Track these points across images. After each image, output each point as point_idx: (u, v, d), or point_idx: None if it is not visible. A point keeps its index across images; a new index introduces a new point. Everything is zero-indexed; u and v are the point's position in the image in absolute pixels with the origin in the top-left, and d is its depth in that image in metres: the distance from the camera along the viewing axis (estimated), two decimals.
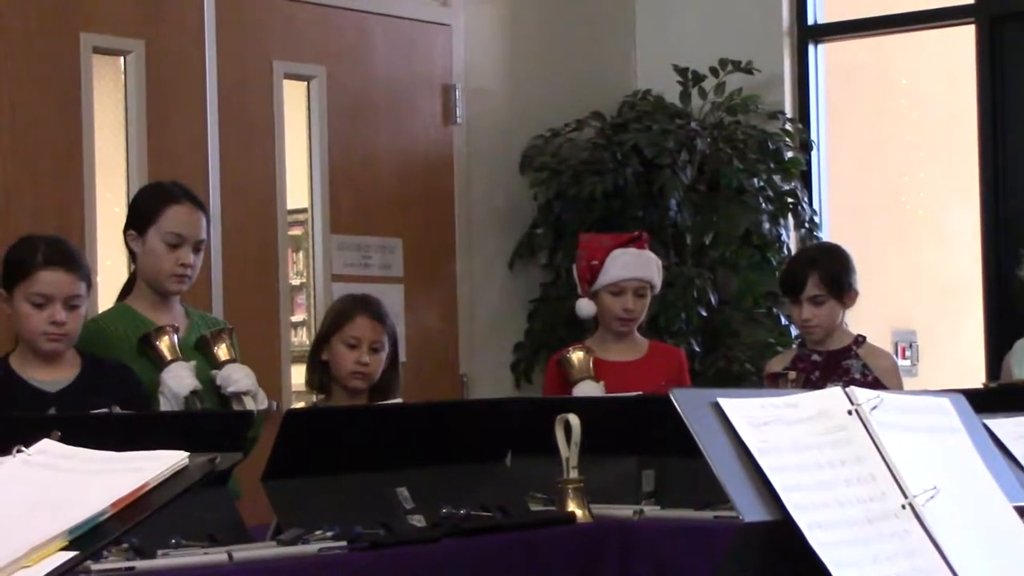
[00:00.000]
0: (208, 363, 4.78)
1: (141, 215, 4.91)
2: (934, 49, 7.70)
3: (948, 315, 7.64)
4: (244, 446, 3.78)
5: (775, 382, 5.24)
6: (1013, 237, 7.04)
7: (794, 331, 6.97)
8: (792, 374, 5.18)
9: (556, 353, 5.71)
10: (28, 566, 2.10)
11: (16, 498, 2.26)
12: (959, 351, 7.45)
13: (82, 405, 4.34)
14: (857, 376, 5.21)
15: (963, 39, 7.34)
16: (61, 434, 2.43)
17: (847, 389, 2.17)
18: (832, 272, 5.34)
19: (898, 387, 5.10)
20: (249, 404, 4.68)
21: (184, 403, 4.61)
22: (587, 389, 5.29)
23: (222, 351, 4.80)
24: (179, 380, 4.63)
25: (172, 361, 4.67)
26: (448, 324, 7.06)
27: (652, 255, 5.61)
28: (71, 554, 2.14)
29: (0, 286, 4.52)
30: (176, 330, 4.75)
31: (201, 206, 4.99)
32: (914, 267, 7.65)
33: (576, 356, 5.38)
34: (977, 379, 6.86)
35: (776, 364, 5.56)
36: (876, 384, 5.02)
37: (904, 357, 7.22)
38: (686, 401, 2.01)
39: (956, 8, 7.36)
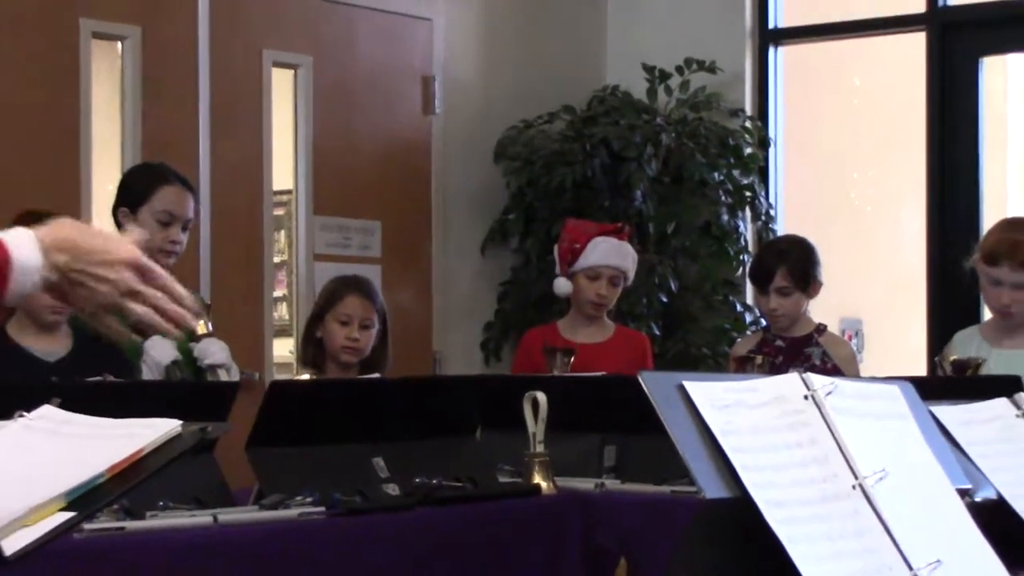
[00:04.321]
0: (186, 336, 4.79)
1: (134, 194, 4.94)
2: (887, 54, 7.73)
3: (893, 305, 7.68)
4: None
5: (742, 365, 5.27)
6: (957, 234, 7.08)
7: (749, 317, 7.01)
8: (759, 358, 5.21)
9: (533, 328, 5.74)
10: (28, 525, 2.11)
11: (17, 461, 2.26)
12: (903, 340, 7.49)
13: (79, 376, 4.34)
14: (817, 363, 5.24)
15: (914, 45, 7.37)
16: (59, 400, 2.43)
17: (803, 375, 2.18)
18: (800, 266, 5.39)
19: (855, 375, 5.12)
20: (223, 376, 4.71)
21: (165, 372, 4.63)
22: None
23: (200, 326, 4.81)
24: (161, 351, 4.65)
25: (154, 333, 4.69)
26: (422, 303, 7.07)
27: (630, 248, 5.68)
28: (69, 515, 2.14)
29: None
30: (209, 311, 4.78)
31: (190, 187, 5.04)
32: (862, 259, 7.68)
33: (561, 355, 5.33)
34: (919, 367, 6.90)
35: (742, 348, 5.61)
36: (835, 371, 5.05)
37: None
38: (654, 383, 2.02)
39: (908, 16, 7.41)
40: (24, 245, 2.14)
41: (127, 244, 2.19)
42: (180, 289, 2.24)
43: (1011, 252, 4.95)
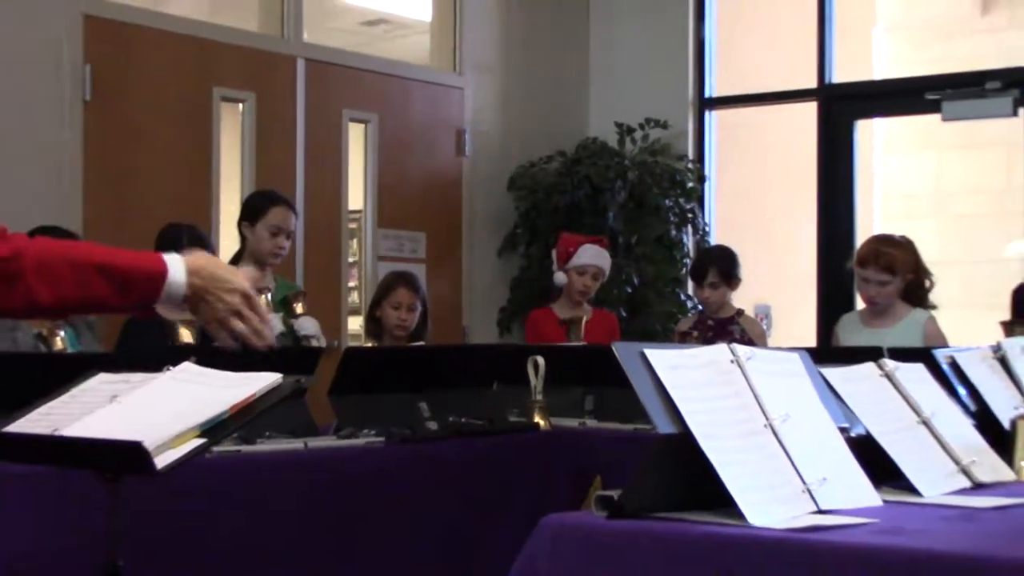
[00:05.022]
0: (288, 315, 4.79)
1: (253, 212, 4.94)
2: (789, 117, 7.72)
3: (793, 296, 7.67)
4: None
5: (684, 338, 5.30)
6: (838, 245, 7.09)
7: (690, 304, 7.00)
8: (695, 333, 5.23)
9: (535, 310, 5.76)
10: (173, 447, 2.11)
11: (165, 401, 2.26)
12: (800, 320, 7.48)
13: (204, 343, 4.34)
14: (738, 337, 5.24)
15: (808, 111, 7.37)
16: (196, 359, 2.43)
17: (730, 346, 2.18)
18: (725, 267, 5.42)
19: (765, 346, 5.12)
20: (314, 343, 4.71)
21: (274, 342, 4.61)
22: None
23: (298, 307, 4.83)
24: (271, 326, 4.63)
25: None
26: (455, 292, 7.07)
27: (607, 253, 5.72)
28: (202, 440, 2.14)
29: None
30: (270, 291, 4.76)
31: (292, 207, 5.03)
32: (772, 263, 7.68)
33: (572, 320, 5.32)
34: (811, 340, 6.90)
35: (684, 325, 5.64)
36: (751, 343, 5.05)
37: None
38: (623, 351, 2.02)
39: (804, 91, 7.40)
40: (175, 267, 2.17)
41: (242, 278, 2.22)
42: (268, 316, 2.31)
43: (875, 259, 4.95)
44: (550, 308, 5.64)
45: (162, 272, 2.16)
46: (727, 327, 5.38)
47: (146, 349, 3.96)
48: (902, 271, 4.95)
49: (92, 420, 2.24)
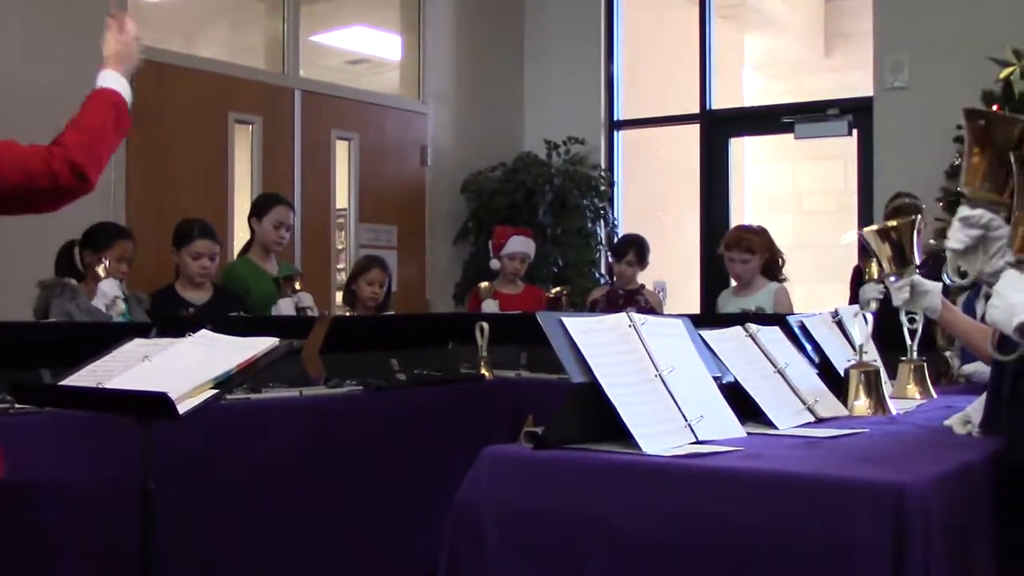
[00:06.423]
0: (290, 291, 4.72)
1: (259, 209, 4.88)
2: (679, 135, 7.74)
3: (682, 274, 7.70)
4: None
5: (593, 307, 5.30)
6: (717, 234, 7.03)
7: (602, 281, 7.00)
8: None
9: (475, 287, 5.72)
10: (192, 397, 2.08)
11: (186, 360, 2.23)
12: (687, 294, 7.51)
13: (213, 313, 4.28)
14: (642, 305, 5.27)
15: (693, 131, 7.38)
16: (212, 326, 2.40)
17: (628, 313, 2.17)
18: (640, 251, 5.46)
19: (661, 313, 5.13)
20: (310, 313, 4.64)
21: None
22: (490, 305, 5.31)
23: (297, 285, 4.75)
24: (280, 309, 4.53)
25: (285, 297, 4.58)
26: (420, 272, 7.04)
27: (532, 241, 5.69)
28: (215, 391, 2.11)
29: (173, 245, 4.45)
30: (301, 276, 4.66)
31: (291, 206, 4.97)
32: (665, 247, 7.67)
33: (484, 287, 5.37)
34: (696, 309, 6.93)
35: (597, 294, 5.64)
36: (652, 311, 5.07)
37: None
38: (545, 319, 2.01)
39: (690, 115, 7.39)
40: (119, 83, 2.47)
41: None
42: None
43: (737, 243, 5.00)
44: (491, 284, 5.61)
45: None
46: (634, 297, 5.41)
47: (168, 315, 3.91)
48: (759, 251, 4.98)
49: (128, 375, 2.20)
